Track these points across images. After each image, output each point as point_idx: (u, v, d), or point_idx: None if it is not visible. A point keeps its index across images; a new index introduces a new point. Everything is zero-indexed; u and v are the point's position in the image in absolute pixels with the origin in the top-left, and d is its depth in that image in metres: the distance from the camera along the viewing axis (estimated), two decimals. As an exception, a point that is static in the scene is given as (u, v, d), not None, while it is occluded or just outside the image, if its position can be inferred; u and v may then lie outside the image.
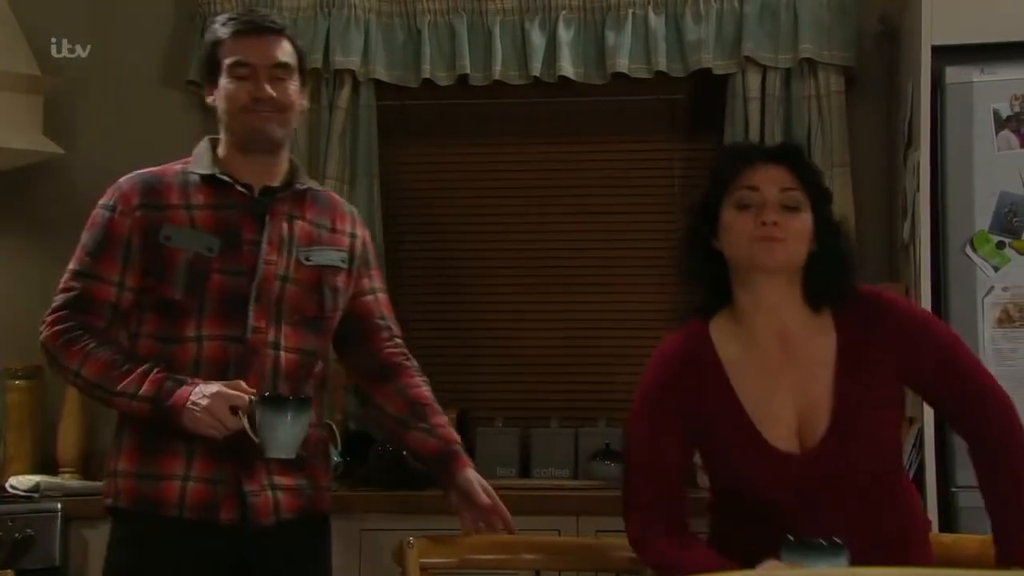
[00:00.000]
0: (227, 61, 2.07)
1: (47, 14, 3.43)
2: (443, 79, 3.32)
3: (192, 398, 1.91)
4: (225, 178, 2.06)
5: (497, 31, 3.28)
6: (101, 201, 2.10)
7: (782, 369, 1.80)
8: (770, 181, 1.79)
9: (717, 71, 3.21)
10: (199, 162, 2.10)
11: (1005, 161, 2.62)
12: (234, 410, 1.91)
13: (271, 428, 1.90)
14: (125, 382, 1.96)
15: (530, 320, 3.41)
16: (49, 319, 2.04)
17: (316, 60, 3.29)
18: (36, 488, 2.86)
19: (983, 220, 2.62)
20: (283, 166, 2.14)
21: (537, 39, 3.26)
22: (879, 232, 3.20)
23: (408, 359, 2.23)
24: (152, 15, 3.48)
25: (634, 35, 3.23)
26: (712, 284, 1.86)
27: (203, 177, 2.07)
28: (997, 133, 2.63)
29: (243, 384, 1.95)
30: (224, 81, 2.08)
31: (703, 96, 3.33)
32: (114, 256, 2.04)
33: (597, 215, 3.40)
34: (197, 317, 2.01)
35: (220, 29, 2.12)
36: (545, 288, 3.42)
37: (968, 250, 2.62)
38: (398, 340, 2.24)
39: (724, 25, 3.20)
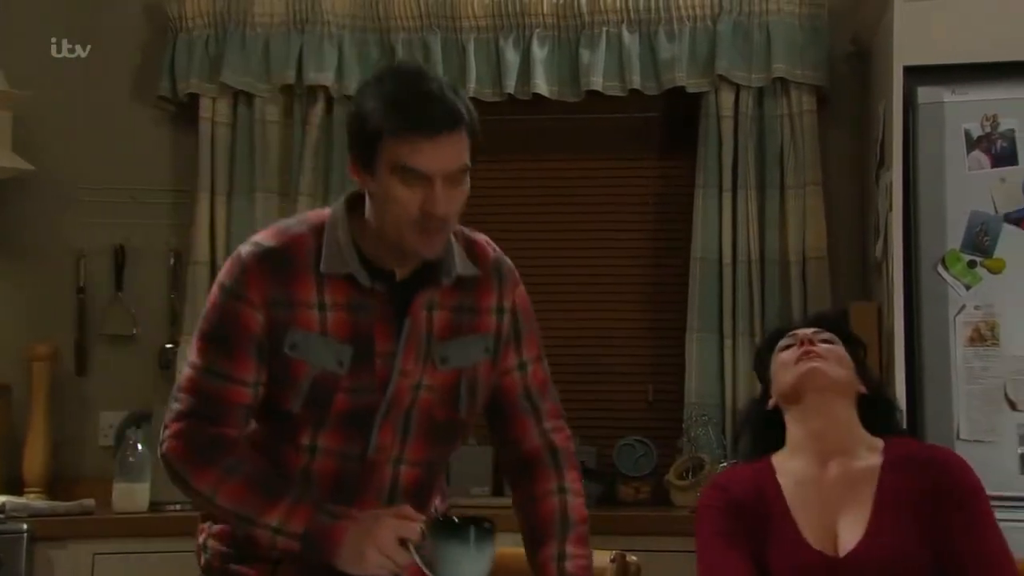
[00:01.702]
0: (395, 163, 1.60)
1: (15, 27, 3.40)
2: (417, 96, 3.31)
3: (352, 533, 1.60)
4: (364, 283, 1.68)
5: (471, 48, 3.27)
6: (224, 280, 1.69)
7: (831, 489, 1.86)
8: (804, 331, 1.98)
9: (691, 89, 3.22)
10: (333, 252, 1.68)
11: (976, 181, 2.64)
12: (402, 542, 1.59)
13: (452, 563, 1.55)
14: (269, 514, 1.62)
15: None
16: (173, 428, 1.68)
17: (289, 76, 3.28)
18: (1, 508, 2.81)
19: (955, 239, 2.63)
20: None
21: (511, 56, 3.26)
22: (851, 251, 3.22)
23: (551, 451, 1.83)
24: (123, 30, 3.45)
25: (608, 53, 3.23)
26: (767, 437, 1.98)
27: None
28: (968, 153, 2.65)
29: (409, 509, 1.64)
30: (387, 179, 1.62)
31: (677, 114, 3.34)
32: (250, 354, 1.67)
33: (571, 232, 3.40)
34: (314, 428, 1.71)
35: (380, 117, 1.60)
36: (519, 305, 3.40)
37: (940, 269, 2.64)
38: (547, 426, 1.84)
39: (698, 44, 3.22)
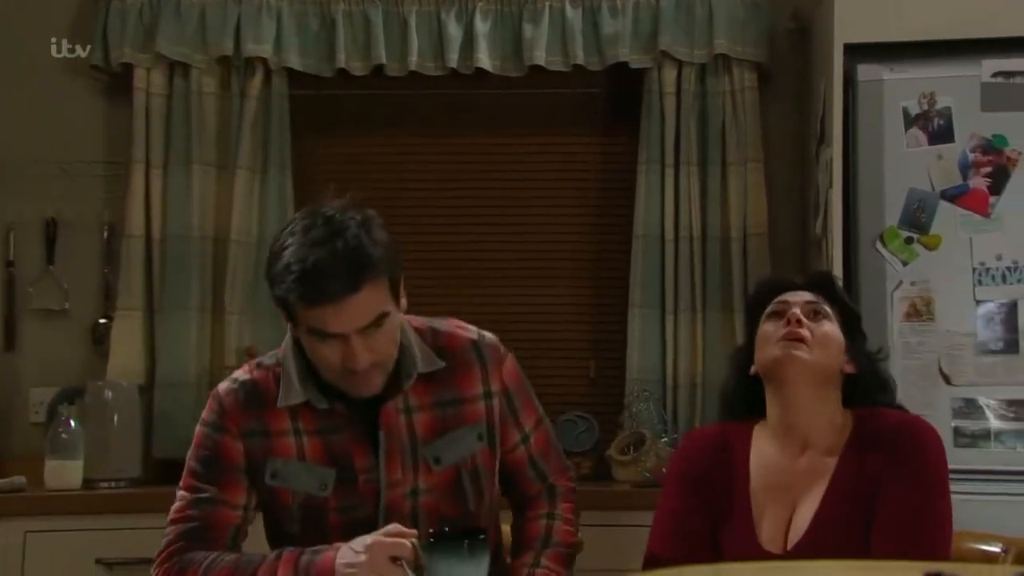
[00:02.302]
0: (307, 325, 1.66)
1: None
2: (358, 69, 3.26)
3: (341, 560, 1.61)
4: (322, 406, 1.74)
5: (413, 21, 3.23)
6: (205, 416, 1.79)
7: (794, 478, 1.82)
8: (798, 296, 1.85)
9: (633, 65, 3.21)
10: (289, 384, 1.75)
11: (914, 158, 2.68)
12: (395, 560, 1.59)
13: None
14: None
15: (444, 314, 3.36)
16: (161, 557, 1.73)
17: (227, 47, 3.22)
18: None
19: (893, 216, 2.67)
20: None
21: (454, 30, 3.23)
22: (791, 227, 3.24)
23: (549, 489, 1.92)
24: (54, -3, 3.36)
25: (551, 28, 3.22)
26: (750, 407, 1.90)
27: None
28: (906, 130, 2.68)
29: (399, 526, 1.64)
30: (306, 337, 1.69)
31: (620, 90, 3.33)
32: (238, 478, 1.74)
33: (513, 208, 3.38)
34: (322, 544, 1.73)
35: (284, 287, 1.63)
36: (459, 282, 3.38)
37: (878, 245, 2.67)
38: (551, 480, 1.91)
39: (640, 19, 3.21)
